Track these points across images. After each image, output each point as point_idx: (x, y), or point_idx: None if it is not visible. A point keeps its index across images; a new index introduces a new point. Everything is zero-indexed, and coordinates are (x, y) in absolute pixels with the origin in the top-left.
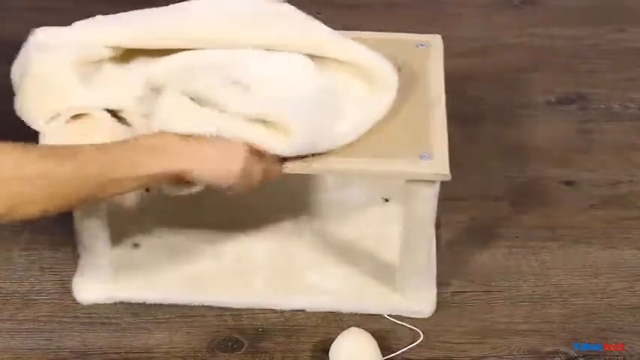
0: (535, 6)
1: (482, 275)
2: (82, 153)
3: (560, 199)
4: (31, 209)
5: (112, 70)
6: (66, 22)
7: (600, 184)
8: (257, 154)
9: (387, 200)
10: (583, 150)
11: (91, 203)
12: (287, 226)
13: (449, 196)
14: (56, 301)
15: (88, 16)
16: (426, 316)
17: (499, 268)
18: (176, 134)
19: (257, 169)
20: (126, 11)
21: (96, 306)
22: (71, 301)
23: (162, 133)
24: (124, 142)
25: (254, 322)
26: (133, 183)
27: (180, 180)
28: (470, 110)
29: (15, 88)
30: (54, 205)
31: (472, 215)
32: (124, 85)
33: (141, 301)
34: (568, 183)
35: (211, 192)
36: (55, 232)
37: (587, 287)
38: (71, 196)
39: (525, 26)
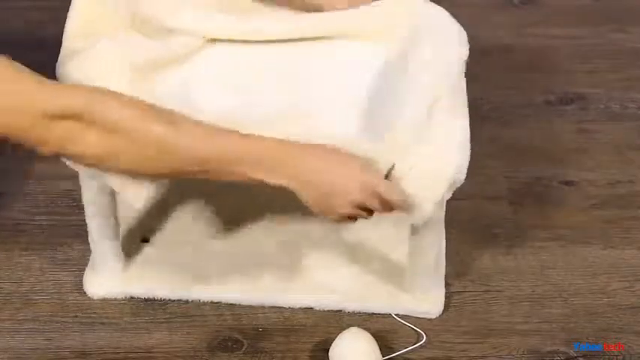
0: (535, 6)
1: (483, 275)
2: (209, 135)
3: (560, 199)
4: (126, 164)
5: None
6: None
7: (600, 184)
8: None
9: None
10: (583, 150)
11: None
12: (296, 224)
13: None
14: (56, 301)
15: None
16: (434, 317)
17: (499, 268)
18: (295, 144)
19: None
20: None
21: (96, 306)
22: (71, 301)
23: (281, 142)
24: (248, 136)
25: (254, 322)
26: (234, 177)
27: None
28: (470, 110)
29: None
30: (149, 169)
31: (472, 215)
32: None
33: (150, 297)
34: (568, 183)
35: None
36: (55, 232)
37: (587, 287)
38: (172, 168)
39: (525, 26)
